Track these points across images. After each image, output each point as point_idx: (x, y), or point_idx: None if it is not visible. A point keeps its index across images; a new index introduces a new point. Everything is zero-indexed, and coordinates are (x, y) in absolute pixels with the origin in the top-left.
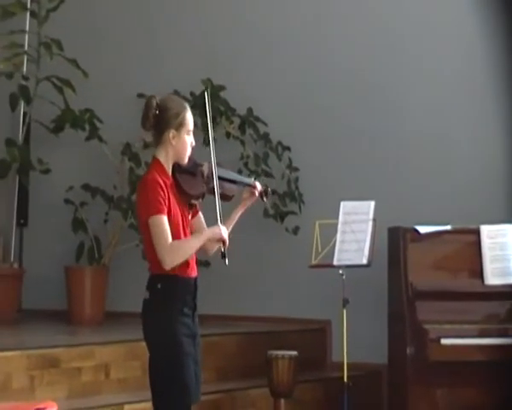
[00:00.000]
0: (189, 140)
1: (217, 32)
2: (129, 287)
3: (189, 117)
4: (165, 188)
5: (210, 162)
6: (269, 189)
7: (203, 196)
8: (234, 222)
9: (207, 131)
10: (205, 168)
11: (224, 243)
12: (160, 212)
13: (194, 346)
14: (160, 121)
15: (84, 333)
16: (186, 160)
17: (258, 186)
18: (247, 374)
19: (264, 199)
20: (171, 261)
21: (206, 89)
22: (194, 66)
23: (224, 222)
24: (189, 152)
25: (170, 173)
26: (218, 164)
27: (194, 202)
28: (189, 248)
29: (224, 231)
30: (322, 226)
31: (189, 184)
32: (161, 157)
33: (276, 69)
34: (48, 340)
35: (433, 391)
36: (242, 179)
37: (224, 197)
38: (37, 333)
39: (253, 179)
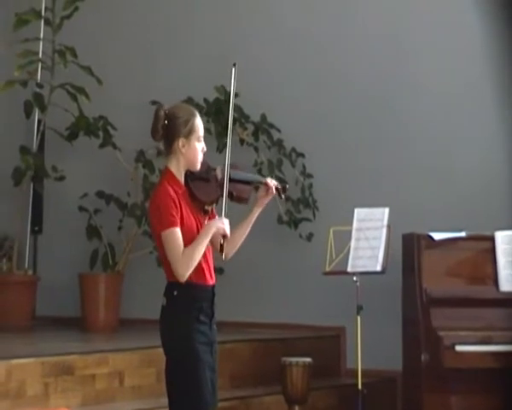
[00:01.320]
0: (200, 146)
1: (231, 38)
2: (143, 294)
3: (199, 123)
4: (176, 199)
5: (223, 166)
6: (286, 185)
7: (217, 200)
8: (251, 223)
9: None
10: (218, 172)
11: (225, 237)
12: (172, 225)
13: (211, 354)
14: (169, 131)
15: (98, 340)
16: (198, 166)
17: (274, 183)
18: (261, 381)
19: (282, 196)
20: (186, 272)
21: (234, 65)
22: (208, 72)
23: (241, 224)
24: (200, 158)
25: (182, 182)
26: (233, 165)
27: (207, 207)
28: (199, 249)
29: (227, 226)
30: (336, 233)
31: (202, 191)
32: (172, 166)
33: (290, 76)
34: (62, 347)
35: (447, 398)
36: (256, 179)
37: (239, 199)
38: (51, 340)
39: (267, 177)
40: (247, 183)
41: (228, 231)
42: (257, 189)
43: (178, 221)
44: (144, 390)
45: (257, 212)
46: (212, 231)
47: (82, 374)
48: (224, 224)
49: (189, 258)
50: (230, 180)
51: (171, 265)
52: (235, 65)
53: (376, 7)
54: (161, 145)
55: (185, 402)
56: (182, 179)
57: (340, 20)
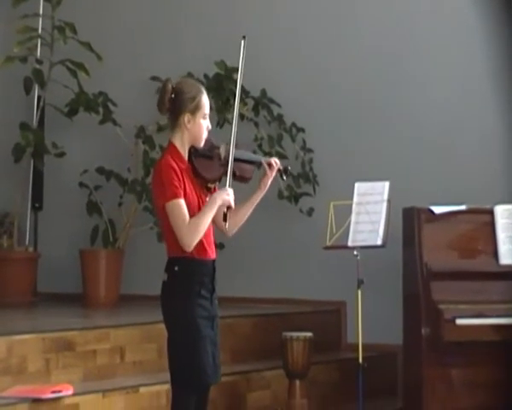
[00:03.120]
0: (205, 124)
1: (230, 14)
2: (144, 269)
3: (205, 100)
4: (179, 172)
5: (227, 144)
6: (288, 167)
7: (220, 178)
8: (254, 205)
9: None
10: (222, 150)
11: (229, 207)
12: (176, 196)
13: (212, 328)
14: (175, 105)
15: (99, 316)
16: (202, 143)
17: (277, 163)
18: (262, 356)
19: (284, 177)
20: (191, 242)
21: (244, 37)
22: (208, 48)
23: (244, 204)
24: (205, 136)
25: (186, 158)
26: (236, 144)
27: (210, 185)
28: (205, 220)
29: (232, 196)
30: (337, 207)
31: (206, 168)
32: (177, 141)
33: (290, 51)
34: (63, 323)
35: (448, 371)
36: (259, 158)
37: (242, 179)
38: (52, 316)
39: (269, 158)
40: (250, 162)
41: (232, 202)
42: (259, 168)
43: (182, 192)
44: (145, 366)
45: (261, 194)
46: (218, 202)
47: (83, 350)
48: (229, 195)
49: (195, 228)
50: (234, 160)
51: (177, 235)
52: (244, 38)
53: None
54: (166, 119)
55: (187, 376)
56: (185, 155)
57: (341, 1)
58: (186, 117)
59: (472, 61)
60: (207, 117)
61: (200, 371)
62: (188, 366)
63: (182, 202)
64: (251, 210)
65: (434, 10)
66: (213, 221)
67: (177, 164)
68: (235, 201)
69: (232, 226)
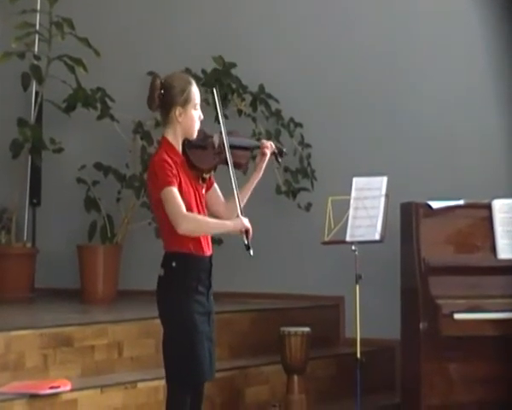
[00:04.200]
0: (197, 114)
1: (228, 9)
2: (141, 265)
3: (195, 91)
4: (173, 165)
5: (220, 132)
6: (283, 149)
7: (215, 167)
8: (250, 190)
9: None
10: (215, 139)
11: (247, 233)
12: (170, 184)
13: (208, 324)
14: (165, 100)
15: (96, 311)
16: (195, 135)
17: (271, 145)
18: (260, 351)
19: (279, 159)
20: (185, 227)
21: (215, 88)
22: (206, 43)
23: (241, 189)
24: (197, 126)
25: (180, 151)
26: (230, 132)
27: (206, 175)
28: (206, 226)
29: (247, 222)
30: (335, 202)
31: (200, 158)
32: (170, 136)
33: (288, 46)
34: (61, 318)
35: (446, 366)
36: (253, 143)
37: (237, 165)
38: (50, 312)
39: (263, 141)
40: (245, 148)
41: (249, 227)
42: (255, 155)
43: (176, 183)
44: (143, 361)
45: (256, 178)
46: (228, 229)
47: (81, 345)
48: (243, 222)
49: (192, 221)
50: (230, 147)
51: (172, 220)
52: (216, 88)
53: None
54: (158, 115)
55: (183, 372)
56: (179, 148)
57: None
58: (177, 111)
59: (472, 57)
60: (198, 107)
61: (197, 368)
62: (184, 363)
63: (175, 189)
64: (247, 196)
65: (434, 10)
66: (208, 208)
67: (171, 158)
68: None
69: (228, 215)
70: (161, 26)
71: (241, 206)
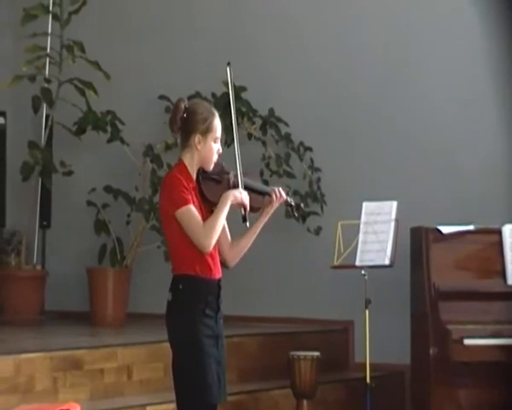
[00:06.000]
0: (216, 147)
1: (238, 33)
2: (151, 288)
3: (217, 124)
4: (187, 188)
5: (236, 173)
6: (301, 204)
7: None
8: (256, 233)
9: (231, 128)
10: (231, 177)
11: (244, 207)
12: (186, 202)
13: (217, 347)
14: (187, 125)
15: (106, 335)
16: (211, 166)
17: (281, 194)
18: (269, 375)
19: (296, 213)
20: (209, 242)
21: (229, 63)
22: (216, 67)
23: (246, 232)
24: (215, 159)
25: (194, 177)
26: (246, 172)
27: (214, 209)
28: (219, 218)
29: (245, 196)
30: (345, 227)
31: (212, 192)
32: (186, 160)
33: (298, 70)
34: (70, 342)
35: (456, 392)
36: (265, 189)
37: (251, 209)
38: (59, 335)
39: (274, 188)
40: (260, 193)
41: (247, 201)
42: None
43: (191, 200)
44: (152, 384)
45: (262, 222)
46: (230, 198)
47: (90, 368)
48: (241, 193)
49: (211, 228)
50: (245, 188)
51: (194, 239)
52: (229, 64)
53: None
54: (177, 138)
55: (192, 396)
56: (193, 175)
57: (347, 18)
58: (197, 138)
59: (477, 81)
60: (219, 141)
61: (206, 391)
62: (192, 386)
63: (192, 207)
64: (252, 239)
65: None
66: (218, 249)
67: (185, 181)
68: (234, 234)
69: (233, 257)
70: (171, 50)
71: (242, 180)
